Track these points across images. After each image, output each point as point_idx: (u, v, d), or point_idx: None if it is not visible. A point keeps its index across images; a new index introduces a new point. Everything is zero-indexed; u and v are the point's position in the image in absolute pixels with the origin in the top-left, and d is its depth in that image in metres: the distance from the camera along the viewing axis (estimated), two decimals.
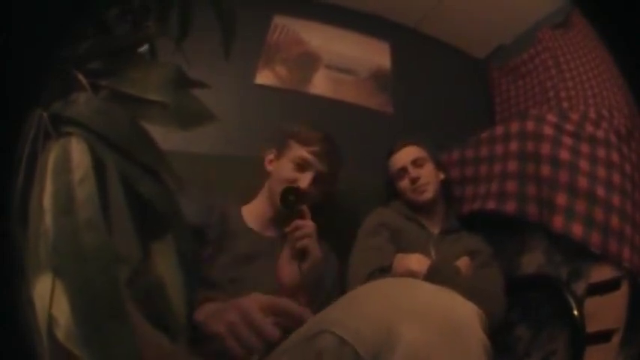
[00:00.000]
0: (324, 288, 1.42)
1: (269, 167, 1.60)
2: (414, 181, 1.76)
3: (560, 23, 2.38)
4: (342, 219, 1.78)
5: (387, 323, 0.79)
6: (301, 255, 1.27)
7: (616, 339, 1.46)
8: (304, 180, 1.48)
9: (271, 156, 1.61)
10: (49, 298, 0.42)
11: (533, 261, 1.72)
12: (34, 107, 0.48)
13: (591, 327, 1.46)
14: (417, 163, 1.79)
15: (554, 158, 1.67)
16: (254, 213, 1.56)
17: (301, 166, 1.51)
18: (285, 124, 1.64)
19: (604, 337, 1.46)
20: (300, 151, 1.52)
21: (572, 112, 1.84)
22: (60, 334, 0.42)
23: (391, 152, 1.86)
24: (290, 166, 1.52)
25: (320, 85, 2.43)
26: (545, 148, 1.70)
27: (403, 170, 1.80)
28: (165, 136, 0.52)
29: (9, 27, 0.47)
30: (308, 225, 1.29)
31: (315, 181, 1.51)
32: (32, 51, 0.48)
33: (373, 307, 0.85)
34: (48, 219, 0.43)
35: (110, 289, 0.41)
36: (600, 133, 1.71)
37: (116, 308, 0.41)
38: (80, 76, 0.50)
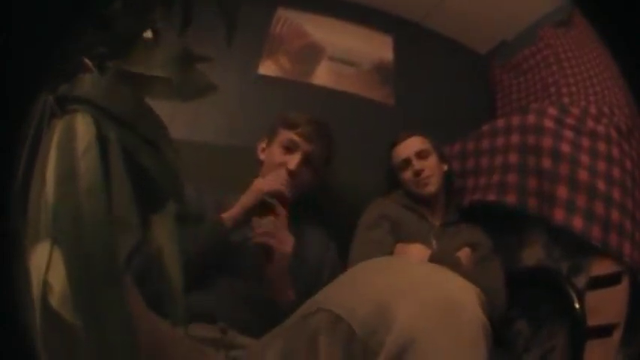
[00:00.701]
0: (309, 276, 1.42)
1: (261, 156, 1.60)
2: (417, 173, 1.74)
3: (562, 22, 2.38)
4: (343, 211, 1.76)
5: (382, 302, 0.79)
6: (264, 252, 1.27)
7: (617, 334, 1.46)
8: (292, 161, 1.48)
9: (263, 144, 1.61)
10: (46, 265, 0.43)
11: (532, 255, 1.73)
12: (39, 95, 0.49)
13: (592, 321, 1.46)
14: (421, 154, 1.76)
15: (555, 151, 1.67)
16: None
17: (288, 148, 1.51)
18: (280, 114, 1.64)
19: (605, 331, 1.46)
20: (286, 134, 1.52)
21: (572, 107, 1.84)
22: (54, 300, 0.42)
23: (395, 142, 1.83)
24: (279, 150, 1.52)
25: (323, 76, 2.43)
26: (547, 141, 1.70)
27: (407, 162, 1.77)
28: (169, 124, 0.53)
29: (9, 27, 0.47)
30: (267, 222, 1.29)
31: (304, 162, 1.51)
32: (33, 50, 0.49)
33: (369, 286, 0.85)
34: (50, 188, 0.44)
35: (108, 256, 0.42)
36: (601, 128, 1.71)
37: (113, 276, 0.42)
38: (86, 60, 0.51)
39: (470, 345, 0.77)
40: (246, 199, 1.37)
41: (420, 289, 0.80)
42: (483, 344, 0.79)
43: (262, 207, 1.35)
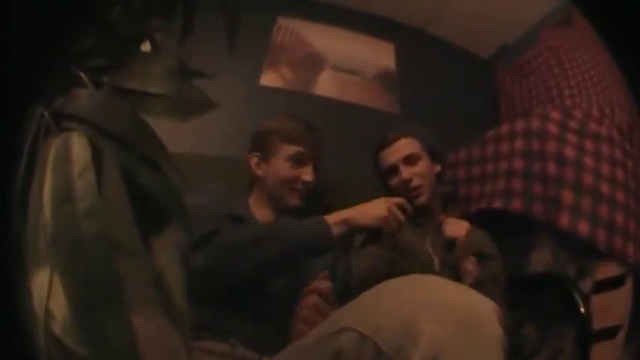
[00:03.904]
0: None
1: (258, 172, 1.54)
2: (405, 183, 1.61)
3: (561, 21, 2.39)
4: None
5: (408, 319, 0.81)
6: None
7: (621, 335, 1.46)
8: (307, 174, 1.47)
9: (255, 159, 1.55)
10: (47, 292, 0.42)
11: (540, 260, 1.72)
12: (34, 106, 0.48)
13: (597, 323, 1.46)
14: (409, 160, 1.63)
15: (560, 156, 1.67)
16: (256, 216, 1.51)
17: (300, 161, 1.49)
18: (260, 123, 1.60)
19: (610, 333, 1.46)
20: (292, 149, 1.49)
21: (575, 110, 1.84)
22: (56, 328, 0.42)
23: (380, 146, 1.70)
24: (286, 165, 1.48)
25: (326, 86, 2.42)
26: (551, 146, 1.69)
27: (394, 168, 1.64)
28: (170, 138, 0.52)
29: (9, 27, 0.47)
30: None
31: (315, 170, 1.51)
32: (32, 50, 0.48)
33: (393, 304, 0.86)
34: (47, 210, 0.43)
35: (107, 278, 0.41)
36: (603, 130, 1.71)
37: (113, 298, 0.41)
38: (81, 74, 0.50)
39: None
40: (361, 219, 1.31)
41: (444, 306, 0.82)
42: (502, 358, 0.80)
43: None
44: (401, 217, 1.34)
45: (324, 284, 1.19)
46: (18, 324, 0.45)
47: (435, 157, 1.69)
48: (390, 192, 1.66)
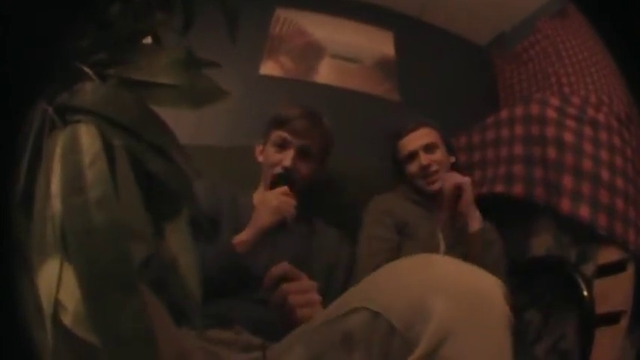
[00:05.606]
0: (319, 279, 1.39)
1: (260, 158, 1.60)
2: (424, 168, 1.68)
3: (557, 12, 2.39)
4: (350, 204, 1.75)
5: (418, 297, 0.81)
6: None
7: (624, 321, 1.46)
8: (286, 158, 1.47)
9: (260, 147, 1.61)
10: (56, 283, 0.42)
11: (542, 244, 1.73)
12: (37, 103, 0.48)
13: (600, 308, 1.46)
14: (428, 148, 1.70)
15: (559, 141, 1.67)
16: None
17: (281, 146, 1.50)
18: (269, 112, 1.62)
19: (612, 318, 1.46)
20: (277, 133, 1.51)
21: (573, 97, 1.84)
22: (67, 319, 0.41)
23: (401, 134, 1.76)
24: (272, 149, 1.52)
25: (326, 74, 2.43)
26: (550, 131, 1.70)
27: (413, 155, 1.71)
28: (174, 129, 0.52)
29: (9, 26, 0.47)
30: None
31: (300, 156, 1.50)
32: (34, 48, 0.48)
33: (402, 283, 0.86)
34: (56, 202, 0.42)
35: (123, 269, 0.41)
36: (601, 117, 1.72)
37: (127, 285, 0.41)
38: (86, 68, 0.50)
39: (501, 337, 0.80)
40: (260, 224, 1.34)
41: (452, 284, 0.83)
42: (510, 336, 0.82)
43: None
44: (291, 200, 1.37)
45: (283, 264, 1.12)
46: (16, 321, 0.45)
47: (449, 149, 1.77)
48: (403, 179, 1.76)
